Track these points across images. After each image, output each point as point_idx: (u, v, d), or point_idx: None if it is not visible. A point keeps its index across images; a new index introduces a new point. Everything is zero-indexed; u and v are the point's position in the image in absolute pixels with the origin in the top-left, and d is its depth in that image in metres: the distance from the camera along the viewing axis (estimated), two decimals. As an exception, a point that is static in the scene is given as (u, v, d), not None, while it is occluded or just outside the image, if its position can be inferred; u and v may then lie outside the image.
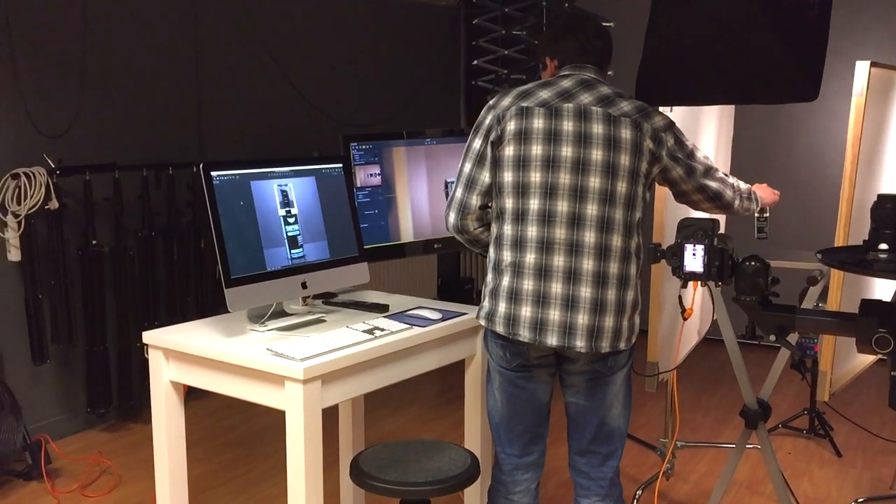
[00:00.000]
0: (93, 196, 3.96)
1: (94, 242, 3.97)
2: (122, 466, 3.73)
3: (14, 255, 3.72)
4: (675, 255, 2.16)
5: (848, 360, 2.70)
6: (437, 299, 3.01)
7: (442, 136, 3.07)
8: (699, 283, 2.18)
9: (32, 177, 3.67)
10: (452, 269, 7.01)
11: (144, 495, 3.45)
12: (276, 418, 4.25)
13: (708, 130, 3.10)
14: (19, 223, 3.69)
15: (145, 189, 4.22)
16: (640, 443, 3.73)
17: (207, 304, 4.55)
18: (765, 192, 2.60)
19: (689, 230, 2.15)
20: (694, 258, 2.13)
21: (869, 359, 2.87)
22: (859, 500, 3.29)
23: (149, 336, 2.42)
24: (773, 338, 2.04)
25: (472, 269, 7.05)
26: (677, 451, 3.58)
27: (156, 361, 2.43)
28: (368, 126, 5.66)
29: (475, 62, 5.63)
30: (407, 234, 2.97)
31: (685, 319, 2.34)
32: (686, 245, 2.14)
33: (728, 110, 3.32)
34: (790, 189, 5.29)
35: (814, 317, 2.03)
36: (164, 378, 2.42)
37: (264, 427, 4.24)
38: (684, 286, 2.21)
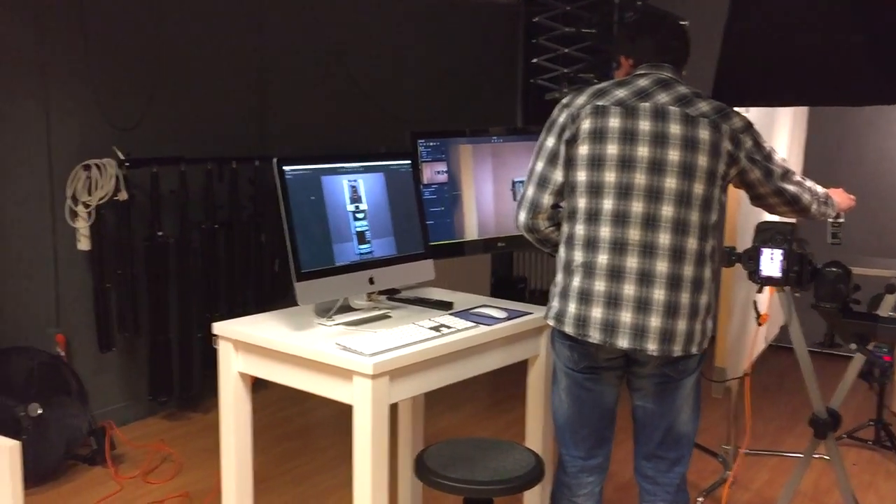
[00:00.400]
0: (159, 188, 4.03)
1: (160, 234, 4.04)
2: (182, 454, 3.79)
3: (84, 244, 3.80)
4: (751, 259, 2.12)
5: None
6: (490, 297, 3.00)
7: (507, 135, 3.06)
8: (775, 288, 2.12)
9: (103, 168, 3.75)
10: (506, 268, 6.99)
11: (205, 483, 3.50)
12: (332, 411, 4.31)
13: (782, 133, 3.03)
14: (89, 213, 3.77)
15: (210, 182, 4.28)
16: (701, 449, 3.66)
17: (266, 297, 4.61)
18: (841, 197, 2.54)
19: (766, 234, 2.10)
20: (771, 262, 2.08)
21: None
22: (931, 516, 3.20)
23: (219, 327, 2.45)
24: (853, 346, 1.98)
25: (525, 269, 7.02)
26: (747, 458, 3.51)
27: (225, 352, 2.46)
28: (427, 123, 5.66)
29: (535, 60, 5.59)
30: (472, 231, 2.96)
31: (760, 325, 2.30)
32: (763, 249, 2.10)
33: (801, 112, 3.24)
34: (858, 194, 5.17)
35: (897, 326, 1.97)
36: (232, 369, 2.45)
37: (321, 420, 4.28)
38: (760, 291, 2.17)
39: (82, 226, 3.78)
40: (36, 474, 3.40)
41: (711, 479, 3.52)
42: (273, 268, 4.65)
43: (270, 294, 4.63)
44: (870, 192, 5.18)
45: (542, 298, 2.31)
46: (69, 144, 3.83)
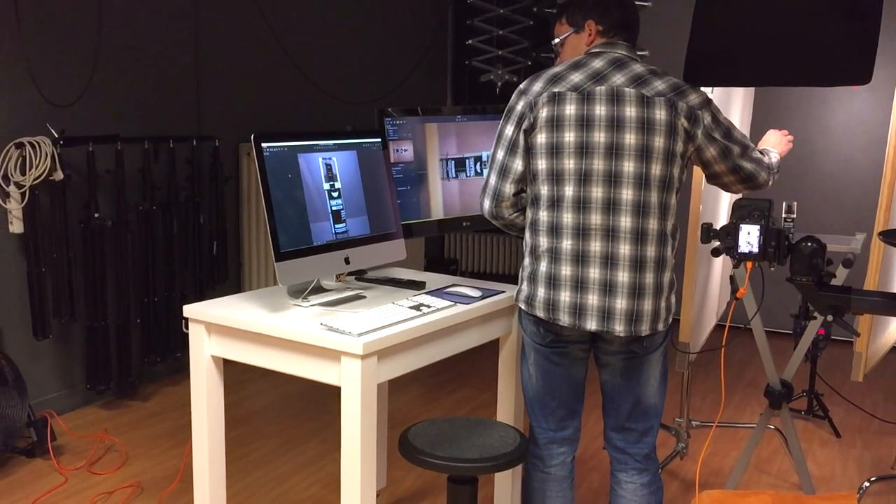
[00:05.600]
0: (96, 168, 3.86)
1: (96, 216, 3.87)
2: (127, 444, 3.66)
3: (17, 227, 3.60)
4: (729, 236, 2.17)
5: (874, 342, 2.76)
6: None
7: (472, 114, 3.05)
8: (752, 263, 2.18)
9: (37, 146, 3.56)
10: (437, 250, 7.00)
11: (154, 472, 3.39)
12: (272, 398, 4.24)
13: (735, 111, 3.11)
14: (23, 194, 3.57)
15: (147, 162, 4.12)
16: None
17: (205, 281, 4.48)
18: (777, 143, 2.56)
19: (744, 210, 2.15)
20: (749, 238, 2.14)
21: (891, 341, 2.93)
22: (871, 480, 3.37)
23: (190, 310, 2.37)
24: (829, 318, 2.06)
25: (456, 251, 7.04)
26: (691, 431, 3.62)
27: (197, 336, 2.38)
28: (362, 104, 5.60)
29: (469, 42, 5.59)
30: (437, 211, 2.95)
31: (737, 299, 2.37)
32: (741, 225, 2.15)
33: (749, 91, 3.33)
34: (811, 171, 5.30)
35: (870, 298, 2.06)
36: (205, 353, 2.37)
37: (266, 406, 4.20)
38: (736, 266, 2.23)
39: (15, 207, 3.58)
40: (-27, 469, 3.23)
41: (665, 453, 3.61)
42: (211, 251, 4.52)
43: (210, 278, 4.51)
44: (822, 170, 5.35)
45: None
46: (-1, 121, 3.63)
